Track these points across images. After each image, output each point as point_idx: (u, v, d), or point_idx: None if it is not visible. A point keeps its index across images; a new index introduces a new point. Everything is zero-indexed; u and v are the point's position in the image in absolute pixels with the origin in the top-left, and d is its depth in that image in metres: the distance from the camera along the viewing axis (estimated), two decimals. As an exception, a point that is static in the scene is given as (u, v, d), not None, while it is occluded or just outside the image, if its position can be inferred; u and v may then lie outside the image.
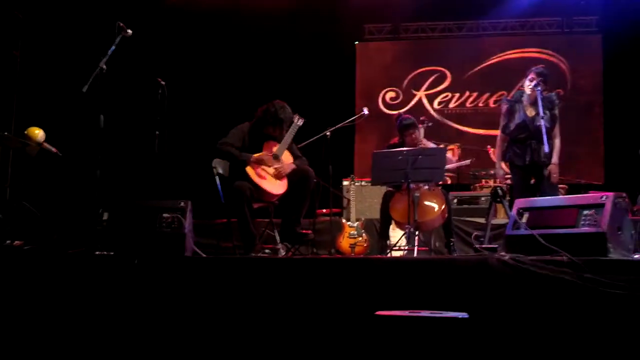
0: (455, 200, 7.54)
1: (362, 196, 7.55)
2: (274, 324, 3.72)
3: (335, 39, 9.46)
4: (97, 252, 3.98)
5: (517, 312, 3.51)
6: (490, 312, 3.50)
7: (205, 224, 6.55)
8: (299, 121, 5.32)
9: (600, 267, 3.56)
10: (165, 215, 3.98)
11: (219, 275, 3.87)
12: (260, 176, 5.07)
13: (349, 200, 7.41)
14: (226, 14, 8.57)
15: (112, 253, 3.96)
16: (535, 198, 4.71)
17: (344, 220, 7.22)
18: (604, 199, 3.82)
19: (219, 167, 5.23)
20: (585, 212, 3.82)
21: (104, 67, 4.52)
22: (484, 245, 3.87)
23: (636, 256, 4.15)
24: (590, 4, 9.46)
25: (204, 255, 4.17)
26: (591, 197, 3.92)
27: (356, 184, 7.51)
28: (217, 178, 5.16)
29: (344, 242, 7.08)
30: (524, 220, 3.96)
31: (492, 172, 7.37)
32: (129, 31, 4.71)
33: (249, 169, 5.05)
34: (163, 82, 4.97)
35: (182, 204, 4.06)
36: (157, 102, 4.94)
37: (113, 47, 4.61)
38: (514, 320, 3.48)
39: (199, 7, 8.46)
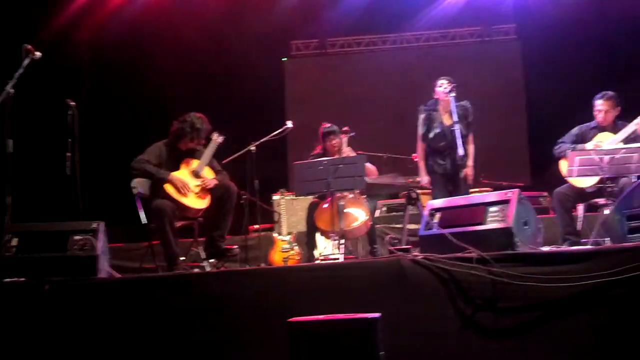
0: (384, 209, 7.65)
1: (293, 210, 7.55)
2: (193, 337, 3.71)
3: (262, 56, 9.48)
4: (6, 280, 3.87)
5: (429, 309, 3.59)
6: (403, 311, 3.57)
7: (128, 248, 6.44)
8: (218, 138, 5.32)
9: (508, 260, 3.68)
10: (76, 237, 3.90)
11: (135, 295, 3.83)
12: (180, 193, 5.03)
13: (279, 214, 7.40)
14: (146, 33, 8.48)
15: (22, 279, 3.86)
16: (446, 198, 4.82)
17: (275, 235, 7.20)
18: (508, 195, 3.95)
19: (139, 186, 5.16)
20: (492, 209, 3.94)
21: (11, 90, 4.41)
22: (397, 247, 3.93)
23: (544, 249, 4.30)
24: (508, 13, 9.80)
25: (118, 276, 4.10)
26: (497, 194, 4.03)
27: (286, 197, 7.51)
28: (136, 198, 5.09)
29: (277, 256, 7.05)
30: (436, 220, 4.05)
31: (418, 179, 7.51)
32: (37, 54, 4.60)
33: (167, 186, 5.00)
34: (73, 103, 4.88)
35: (94, 225, 3.99)
36: (67, 123, 4.84)
37: (21, 70, 4.50)
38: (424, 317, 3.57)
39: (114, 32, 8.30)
